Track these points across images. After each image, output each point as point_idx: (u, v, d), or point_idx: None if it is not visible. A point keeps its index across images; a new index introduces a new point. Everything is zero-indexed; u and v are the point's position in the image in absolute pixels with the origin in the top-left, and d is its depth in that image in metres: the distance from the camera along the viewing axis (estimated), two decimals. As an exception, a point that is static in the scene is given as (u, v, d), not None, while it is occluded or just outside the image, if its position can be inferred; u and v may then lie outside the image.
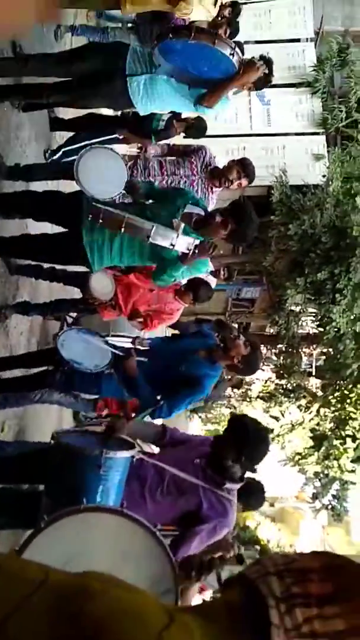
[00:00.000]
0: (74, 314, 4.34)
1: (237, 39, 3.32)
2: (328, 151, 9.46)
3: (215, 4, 3.40)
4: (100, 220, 2.67)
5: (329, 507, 15.35)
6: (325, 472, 13.92)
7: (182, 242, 2.69)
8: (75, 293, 4.37)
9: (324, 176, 8.94)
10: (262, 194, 9.29)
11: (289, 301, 9.31)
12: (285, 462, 14.97)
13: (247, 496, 2.96)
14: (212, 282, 5.91)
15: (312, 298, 9.27)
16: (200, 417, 21.51)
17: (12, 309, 3.77)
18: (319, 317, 9.98)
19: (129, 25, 5.01)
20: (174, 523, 2.69)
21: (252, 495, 3.13)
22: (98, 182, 3.17)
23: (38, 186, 4.07)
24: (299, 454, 14.86)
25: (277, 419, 14.38)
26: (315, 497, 15.65)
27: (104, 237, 2.87)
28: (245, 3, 4.00)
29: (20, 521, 2.83)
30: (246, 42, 8.05)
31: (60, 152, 4.46)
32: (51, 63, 3.35)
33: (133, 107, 3.34)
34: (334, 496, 14.99)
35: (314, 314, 10.50)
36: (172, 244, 2.64)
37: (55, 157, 4.49)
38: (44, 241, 3.10)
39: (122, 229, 2.59)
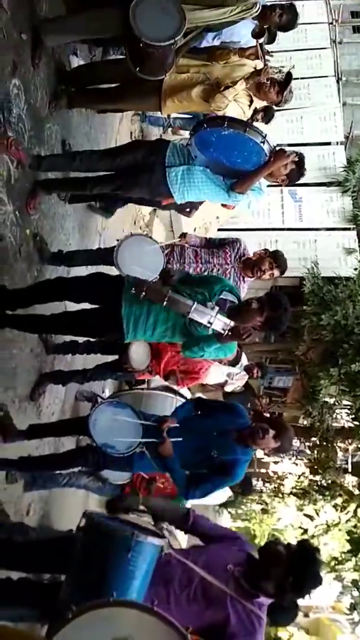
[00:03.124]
0: (106, 395, 4.37)
1: (271, 142, 3.54)
2: (359, 245, 9.65)
3: (250, 106, 3.66)
4: (144, 293, 2.82)
5: (369, 620, 14.09)
6: (364, 580, 12.94)
7: (219, 322, 2.79)
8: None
9: (355, 269, 9.06)
10: (294, 284, 9.44)
11: (323, 392, 9.13)
12: (320, 566, 13.97)
13: (276, 611, 2.74)
14: (244, 378, 5.92)
15: (347, 390, 9.08)
16: (230, 512, 20.53)
17: (49, 379, 3.82)
18: (354, 410, 9.71)
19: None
20: (198, 633, 2.50)
21: (283, 611, 2.88)
22: (136, 268, 3.32)
23: (78, 271, 4.27)
24: (335, 558, 13.94)
25: (311, 518, 13.66)
26: (353, 607, 14.43)
27: (142, 310, 2.99)
28: (278, 110, 4.29)
29: (38, 614, 2.69)
30: (279, 145, 8.56)
31: None
32: (97, 158, 3.61)
33: (171, 196, 3.52)
34: (374, 608, 13.80)
35: (349, 407, 10.23)
36: (209, 322, 2.73)
37: None
38: (83, 313, 3.21)
39: (165, 302, 2.73)
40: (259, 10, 3.46)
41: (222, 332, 2.80)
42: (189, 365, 4.04)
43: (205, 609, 2.39)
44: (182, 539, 4.64)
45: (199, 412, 3.31)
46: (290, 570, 2.41)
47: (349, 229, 9.84)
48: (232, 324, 2.82)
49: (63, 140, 4.00)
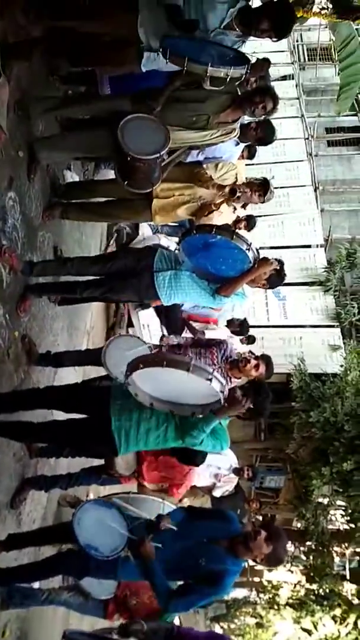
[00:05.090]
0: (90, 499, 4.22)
1: (253, 245, 3.75)
2: (344, 342, 9.83)
3: (234, 211, 3.90)
4: (141, 365, 2.67)
5: None
6: None
7: (217, 381, 2.64)
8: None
9: (341, 366, 9.16)
10: (282, 380, 9.47)
11: (316, 492, 8.87)
12: None
13: None
14: (233, 480, 5.76)
15: (340, 490, 8.83)
16: (222, 627, 19.05)
17: (31, 485, 3.69)
18: (349, 511, 9.38)
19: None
20: None
21: None
22: (124, 368, 3.34)
23: (65, 372, 4.28)
24: None
25: (309, 632, 12.69)
26: None
27: (131, 422, 2.95)
28: (260, 216, 4.56)
29: None
30: (261, 248, 8.95)
31: None
32: (88, 263, 3.75)
33: (159, 299, 3.64)
34: None
35: (343, 507, 9.89)
36: (208, 379, 2.59)
37: None
38: (72, 426, 3.15)
39: (165, 364, 2.59)
40: (238, 134, 3.78)
41: (221, 393, 2.67)
42: (168, 471, 3.97)
43: None
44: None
45: (189, 518, 3.18)
46: None
47: (333, 326, 10.08)
48: (227, 386, 2.77)
49: (55, 247, 4.18)
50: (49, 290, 3.89)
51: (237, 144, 4.50)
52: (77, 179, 4.50)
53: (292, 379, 9.15)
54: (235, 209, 4.10)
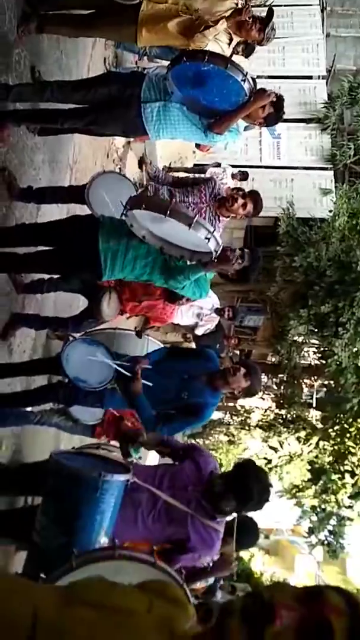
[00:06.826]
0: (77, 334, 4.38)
1: (250, 73, 3.39)
2: (335, 187, 9.59)
3: (229, 44, 3.49)
4: (144, 206, 2.62)
5: (325, 542, 15.09)
6: (322, 506, 13.76)
7: (214, 241, 2.67)
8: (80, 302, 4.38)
9: (330, 211, 9.05)
10: (269, 224, 9.41)
11: (292, 332, 9.34)
12: (282, 493, 14.78)
13: (240, 533, 3.02)
14: (214, 319, 5.97)
15: (315, 330, 9.30)
16: (197, 443, 21.33)
17: (23, 323, 3.80)
18: (321, 349, 9.99)
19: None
20: (162, 544, 2.72)
21: (246, 533, 3.18)
22: (109, 206, 3.25)
23: (49, 209, 4.16)
24: (296, 486, 14.70)
25: (275, 449, 14.27)
26: (311, 531, 15.41)
27: (119, 246, 2.97)
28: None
29: (13, 537, 2.83)
30: (259, 77, 8.25)
31: None
32: (69, 90, 3.42)
33: (146, 133, 3.40)
34: (330, 532, 14.75)
35: (316, 346, 10.51)
36: (207, 238, 2.62)
37: None
38: (58, 251, 3.15)
39: (168, 212, 2.56)
40: None
41: (214, 252, 2.72)
42: (152, 314, 4.09)
43: (168, 526, 2.62)
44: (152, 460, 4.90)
45: (172, 357, 3.37)
46: (237, 491, 2.62)
47: (326, 168, 9.74)
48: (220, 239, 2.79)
49: (32, 67, 3.77)
50: (27, 117, 3.58)
51: None
52: (54, -16, 3.92)
53: (279, 222, 9.08)
54: (231, 39, 3.65)
